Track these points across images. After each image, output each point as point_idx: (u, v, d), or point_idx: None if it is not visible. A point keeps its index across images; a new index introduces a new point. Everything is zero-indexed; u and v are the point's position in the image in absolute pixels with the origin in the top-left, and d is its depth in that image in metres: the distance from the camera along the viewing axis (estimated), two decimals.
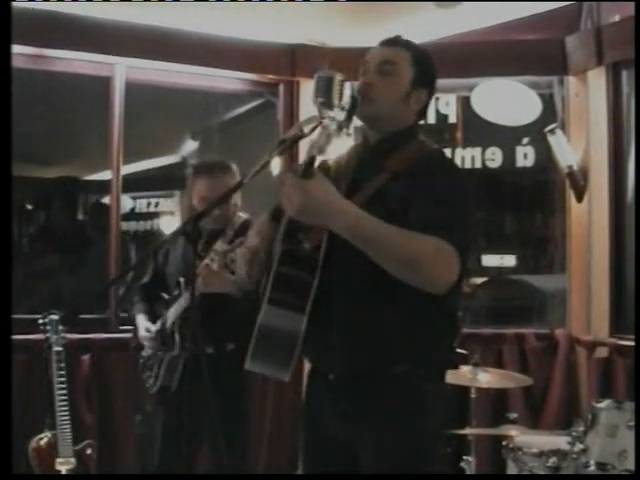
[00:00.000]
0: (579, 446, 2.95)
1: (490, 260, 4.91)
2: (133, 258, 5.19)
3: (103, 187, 4.62)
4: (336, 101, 2.02)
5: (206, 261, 2.94)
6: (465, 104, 4.65)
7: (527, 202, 4.87)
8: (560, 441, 3.10)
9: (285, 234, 2.08)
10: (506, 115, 4.55)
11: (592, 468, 2.87)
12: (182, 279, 3.25)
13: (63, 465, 3.52)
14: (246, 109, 5.32)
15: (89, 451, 3.63)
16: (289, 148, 2.07)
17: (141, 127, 4.89)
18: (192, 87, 4.73)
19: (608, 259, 4.20)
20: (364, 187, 2.06)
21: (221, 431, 3.11)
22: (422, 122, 2.25)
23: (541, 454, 3.08)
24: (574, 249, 4.43)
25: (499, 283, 5.03)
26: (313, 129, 2.01)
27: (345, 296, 2.04)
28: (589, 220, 4.31)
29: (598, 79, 4.26)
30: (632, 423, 2.87)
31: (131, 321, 3.53)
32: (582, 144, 4.34)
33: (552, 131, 4.34)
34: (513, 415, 3.53)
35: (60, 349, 3.60)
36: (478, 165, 4.62)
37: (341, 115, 2.00)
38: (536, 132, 4.51)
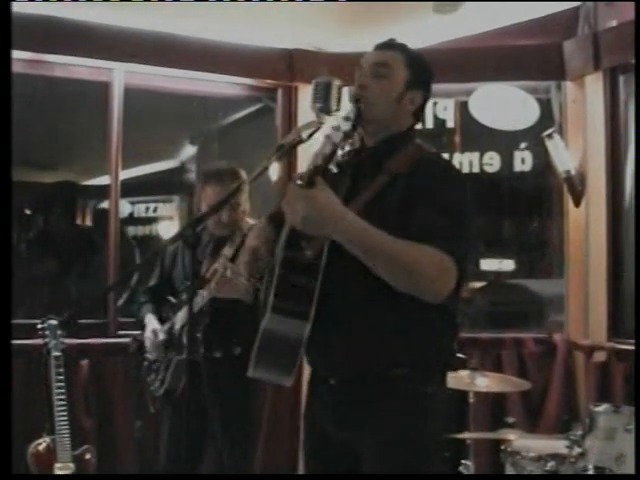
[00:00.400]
0: (577, 450, 2.95)
1: (488, 265, 4.92)
2: (137, 262, 5.20)
3: (102, 192, 4.61)
4: (334, 106, 2.02)
5: (215, 266, 2.95)
6: (463, 109, 4.65)
7: (525, 207, 4.88)
8: (558, 445, 3.10)
9: (287, 241, 2.08)
10: (504, 120, 4.55)
11: (590, 472, 2.87)
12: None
13: (62, 470, 3.50)
14: (244, 114, 5.32)
15: (88, 456, 3.62)
16: (287, 153, 2.07)
17: (140, 132, 4.89)
18: (190, 92, 4.73)
19: (606, 264, 4.20)
20: (362, 191, 2.06)
21: (228, 434, 3.12)
22: (419, 126, 2.25)
23: (539, 458, 3.08)
24: (572, 254, 4.43)
25: (497, 288, 5.04)
26: (311, 134, 2.02)
27: (346, 301, 2.05)
28: (587, 225, 4.31)
29: (595, 84, 4.27)
30: (630, 427, 2.88)
31: (132, 325, 3.53)
32: (580, 149, 4.34)
33: (550, 136, 4.35)
34: (511, 419, 3.55)
35: (59, 354, 3.59)
36: (476, 170, 4.62)
37: (346, 125, 2.00)
38: (534, 137, 4.52)
